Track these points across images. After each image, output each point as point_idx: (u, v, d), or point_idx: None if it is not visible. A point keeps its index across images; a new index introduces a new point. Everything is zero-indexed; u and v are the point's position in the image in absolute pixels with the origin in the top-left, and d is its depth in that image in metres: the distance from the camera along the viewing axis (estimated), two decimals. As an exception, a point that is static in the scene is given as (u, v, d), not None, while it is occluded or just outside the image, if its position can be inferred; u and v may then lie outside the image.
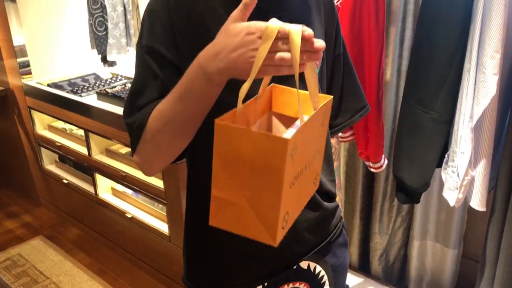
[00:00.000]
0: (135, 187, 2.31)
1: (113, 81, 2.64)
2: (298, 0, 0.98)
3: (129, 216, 2.37)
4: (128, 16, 2.57)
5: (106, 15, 2.66)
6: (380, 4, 1.48)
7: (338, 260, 1.06)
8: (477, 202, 1.31)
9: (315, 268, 1.02)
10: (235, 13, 0.72)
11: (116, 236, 2.58)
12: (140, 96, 0.87)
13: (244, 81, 0.69)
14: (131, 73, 2.74)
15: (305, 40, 0.66)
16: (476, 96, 1.22)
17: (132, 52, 2.66)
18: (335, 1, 1.49)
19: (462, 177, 1.28)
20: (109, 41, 2.64)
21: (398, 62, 1.89)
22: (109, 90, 2.34)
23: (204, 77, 0.74)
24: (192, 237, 1.03)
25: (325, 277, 1.04)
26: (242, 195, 0.70)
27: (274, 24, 0.67)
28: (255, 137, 0.66)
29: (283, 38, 0.67)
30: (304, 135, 0.70)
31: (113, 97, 2.29)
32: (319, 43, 0.68)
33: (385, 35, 1.57)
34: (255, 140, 0.66)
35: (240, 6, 0.71)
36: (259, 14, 0.82)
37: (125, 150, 2.48)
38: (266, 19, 0.74)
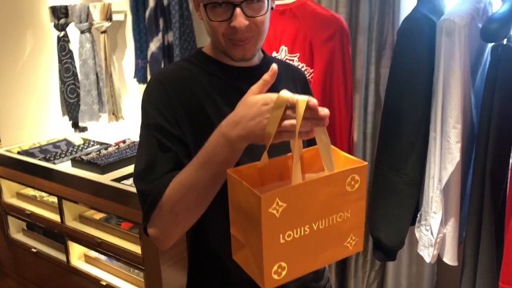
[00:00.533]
0: (110, 254, 2.29)
1: (85, 147, 2.66)
2: (276, 80, 1.09)
3: (104, 283, 2.34)
4: (101, 84, 2.64)
5: (78, 82, 2.73)
6: (348, 76, 1.64)
7: None
8: (450, 257, 1.43)
9: None
10: (254, 87, 0.84)
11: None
12: (153, 169, 0.94)
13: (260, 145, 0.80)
14: (104, 139, 2.78)
15: (310, 108, 0.76)
16: (443, 162, 1.36)
17: (104, 118, 2.71)
18: (306, 75, 1.64)
19: (436, 234, 1.40)
20: (81, 107, 2.69)
21: (363, 126, 2.04)
22: (84, 157, 2.36)
23: (227, 143, 0.84)
24: None
25: None
26: (245, 238, 0.78)
27: (284, 94, 0.77)
28: (244, 189, 0.75)
29: (292, 107, 0.77)
30: (302, 194, 0.75)
31: (89, 164, 2.31)
32: (324, 112, 0.77)
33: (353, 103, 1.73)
34: (245, 193, 0.75)
35: (260, 81, 0.83)
36: (242, 89, 0.94)
37: (99, 215, 2.48)
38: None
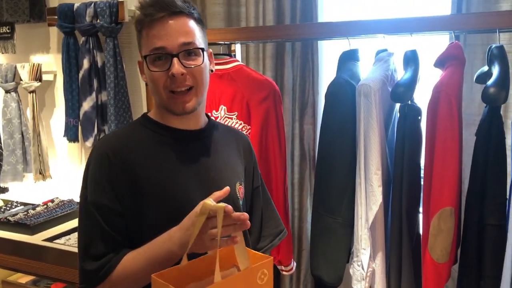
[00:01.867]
0: (40, 319, 2.20)
1: (8, 208, 2.56)
2: (221, 144, 1.21)
3: None
4: (26, 143, 2.60)
5: (1, 142, 2.66)
6: (281, 131, 1.84)
7: None
8: (379, 289, 1.63)
9: None
10: (214, 194, 0.95)
11: None
12: (91, 247, 1.04)
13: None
14: (27, 199, 2.69)
15: (227, 215, 0.88)
16: (368, 203, 1.58)
17: (28, 178, 2.65)
18: (244, 131, 1.82)
19: (366, 269, 1.60)
20: (3, 168, 2.61)
21: (291, 176, 2.25)
22: (10, 218, 2.29)
23: (171, 246, 0.97)
24: None
25: None
26: None
27: (208, 203, 0.89)
28: None
29: (214, 216, 0.89)
30: None
31: (16, 225, 2.24)
32: (243, 216, 0.90)
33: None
34: None
35: (221, 193, 0.95)
36: (190, 157, 1.08)
37: (26, 278, 2.37)
38: (193, 156, 1.04)
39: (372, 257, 1.62)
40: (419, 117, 1.61)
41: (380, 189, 1.56)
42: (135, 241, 1.06)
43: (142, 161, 1.08)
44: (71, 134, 2.48)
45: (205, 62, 1.11)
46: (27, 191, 2.73)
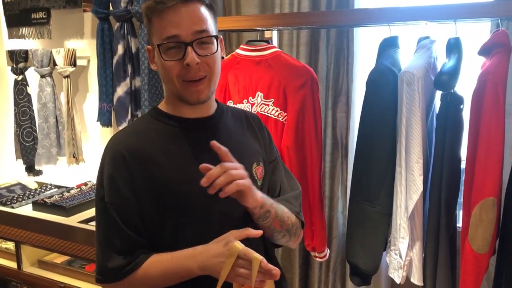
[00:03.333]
0: (74, 299, 2.25)
1: (42, 191, 2.62)
2: (233, 126, 1.20)
3: (66, 330, 2.27)
4: (60, 127, 2.64)
5: (35, 126, 2.71)
6: (318, 119, 1.83)
7: None
8: (417, 278, 1.62)
9: None
10: (236, 232, 0.98)
11: None
12: (112, 244, 1.06)
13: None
14: (60, 182, 2.74)
15: (262, 268, 0.92)
16: (409, 192, 1.57)
17: (62, 161, 2.69)
18: (280, 118, 1.82)
19: (404, 258, 1.59)
20: (38, 151, 2.66)
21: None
22: (47, 200, 2.34)
23: (192, 265, 1.01)
24: None
25: None
26: None
27: (236, 246, 0.94)
28: None
29: (245, 258, 0.93)
30: None
31: (53, 207, 2.29)
32: (275, 270, 0.93)
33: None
34: None
35: (241, 233, 0.98)
36: (204, 146, 1.06)
37: (61, 259, 2.43)
38: (205, 146, 1.02)
39: (410, 246, 1.61)
40: (462, 106, 1.58)
41: (421, 178, 1.54)
42: (154, 236, 1.08)
43: (156, 155, 1.08)
44: (104, 119, 2.51)
45: (218, 50, 1.09)
46: (61, 174, 2.79)
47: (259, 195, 1.07)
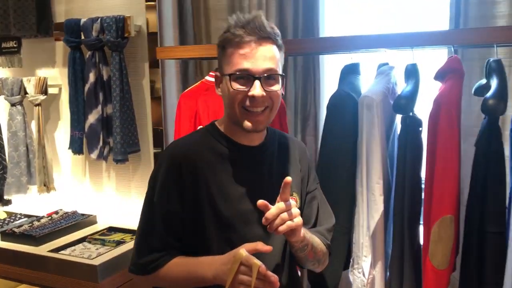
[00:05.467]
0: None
1: (12, 220, 2.58)
2: (279, 154, 1.28)
3: None
4: (31, 155, 2.63)
5: (4, 155, 2.69)
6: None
7: None
8: (381, 296, 1.66)
9: None
10: (248, 245, 1.04)
11: None
12: (149, 242, 1.18)
13: None
14: (30, 211, 2.71)
15: (260, 274, 0.97)
16: (370, 212, 1.62)
17: (32, 190, 2.67)
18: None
19: (367, 276, 1.63)
20: (7, 180, 2.63)
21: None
22: (16, 230, 2.31)
23: (207, 272, 1.08)
24: None
25: None
26: None
27: (241, 253, 0.99)
28: None
29: (246, 265, 0.99)
30: None
31: (22, 236, 2.26)
32: (273, 277, 0.98)
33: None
34: None
35: (254, 248, 1.03)
36: (249, 172, 1.17)
37: (32, 290, 2.38)
38: (254, 178, 1.15)
39: (373, 264, 1.65)
40: (420, 128, 1.65)
41: (382, 198, 1.60)
42: (191, 243, 1.18)
43: (206, 170, 1.17)
44: (76, 147, 2.52)
45: (281, 86, 1.18)
46: (31, 203, 2.76)
47: (303, 231, 1.15)
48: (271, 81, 1.15)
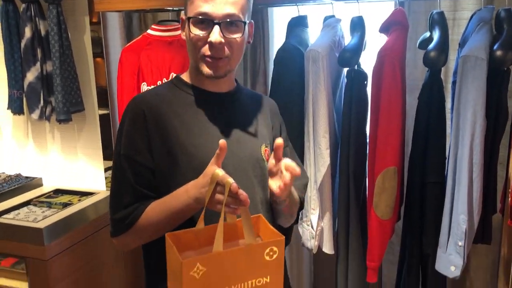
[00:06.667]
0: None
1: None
2: (248, 107, 1.26)
3: (-17, 329, 2.17)
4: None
5: None
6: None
7: None
8: (328, 247, 1.70)
9: None
10: (212, 159, 0.99)
11: None
12: (120, 198, 1.13)
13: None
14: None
15: (232, 192, 0.94)
16: (317, 165, 1.63)
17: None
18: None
19: (316, 228, 1.66)
20: None
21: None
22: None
23: (186, 199, 1.03)
24: None
25: None
26: None
27: (217, 172, 0.95)
28: (174, 253, 0.90)
29: (222, 185, 0.95)
30: (222, 261, 0.89)
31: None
32: (242, 195, 0.94)
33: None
34: (174, 255, 0.90)
35: (215, 154, 0.98)
36: (218, 119, 1.14)
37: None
38: (223, 125, 1.11)
39: (321, 217, 1.68)
40: (365, 82, 1.66)
41: (328, 151, 1.61)
42: (163, 191, 1.12)
43: (173, 120, 1.13)
44: (15, 106, 2.39)
45: (245, 35, 1.13)
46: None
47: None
48: (233, 27, 1.09)
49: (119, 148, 1.13)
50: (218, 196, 0.96)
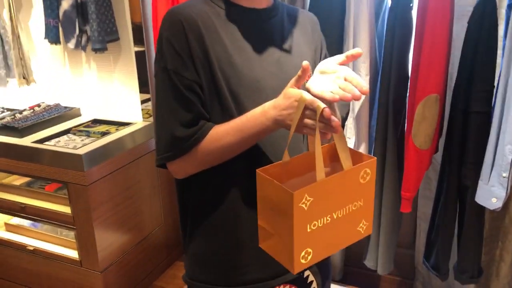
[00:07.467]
0: (36, 217, 2.26)
1: (-6, 114, 2.55)
2: (289, 23, 1.16)
3: (31, 248, 2.31)
4: (6, 47, 2.51)
5: (-21, 47, 2.57)
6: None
7: (326, 268, 1.23)
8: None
9: (306, 275, 1.17)
10: (292, 80, 0.93)
11: (18, 275, 2.46)
12: (178, 115, 1.02)
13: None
14: (12, 105, 2.67)
15: (324, 117, 0.86)
16: (355, 93, 1.57)
17: (12, 83, 2.60)
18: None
19: (351, 157, 1.63)
20: (-15, 73, 2.54)
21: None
22: (-3, 122, 2.28)
23: (264, 121, 0.96)
24: (197, 238, 1.13)
25: (314, 283, 1.20)
26: (274, 228, 0.89)
27: (304, 97, 0.88)
28: (275, 187, 0.85)
29: (311, 109, 0.88)
30: (326, 189, 0.86)
31: (4, 128, 2.23)
32: (334, 121, 0.87)
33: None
34: (276, 190, 0.85)
35: (296, 76, 0.91)
36: (258, 36, 1.07)
37: (20, 181, 2.41)
38: (263, 43, 1.04)
39: (356, 145, 1.64)
40: (411, 5, 1.56)
41: (367, 78, 1.55)
42: (208, 109, 1.04)
43: (211, 34, 1.04)
44: (51, 36, 2.40)
45: None
46: (12, 96, 2.70)
47: None
48: None
49: (165, 63, 1.03)
50: (307, 121, 0.89)
